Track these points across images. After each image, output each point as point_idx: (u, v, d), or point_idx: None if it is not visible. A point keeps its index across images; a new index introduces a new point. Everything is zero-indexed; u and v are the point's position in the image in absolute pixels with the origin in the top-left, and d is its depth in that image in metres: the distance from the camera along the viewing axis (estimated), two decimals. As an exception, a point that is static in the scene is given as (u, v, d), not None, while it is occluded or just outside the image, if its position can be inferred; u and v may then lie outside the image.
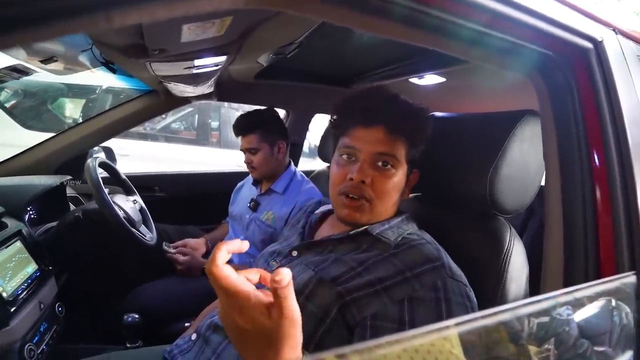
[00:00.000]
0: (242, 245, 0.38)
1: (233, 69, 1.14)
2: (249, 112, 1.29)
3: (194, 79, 1.01)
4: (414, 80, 1.25)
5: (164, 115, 3.79)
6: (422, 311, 0.50)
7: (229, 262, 1.20)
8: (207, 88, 1.20)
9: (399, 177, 0.63)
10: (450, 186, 0.73)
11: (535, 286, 0.59)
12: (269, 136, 1.25)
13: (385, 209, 0.64)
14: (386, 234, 0.62)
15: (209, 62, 0.84)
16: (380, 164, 0.62)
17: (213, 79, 1.09)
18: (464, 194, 0.71)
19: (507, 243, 0.65)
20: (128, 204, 1.17)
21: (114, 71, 0.84)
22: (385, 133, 0.62)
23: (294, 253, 0.69)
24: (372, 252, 0.60)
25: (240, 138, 1.28)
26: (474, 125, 0.75)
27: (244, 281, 0.36)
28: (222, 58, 0.83)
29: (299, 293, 0.57)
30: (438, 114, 0.83)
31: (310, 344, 0.55)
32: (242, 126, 1.25)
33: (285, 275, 0.34)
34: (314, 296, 0.56)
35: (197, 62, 0.80)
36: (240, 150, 1.29)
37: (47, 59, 0.74)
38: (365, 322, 0.52)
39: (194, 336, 0.68)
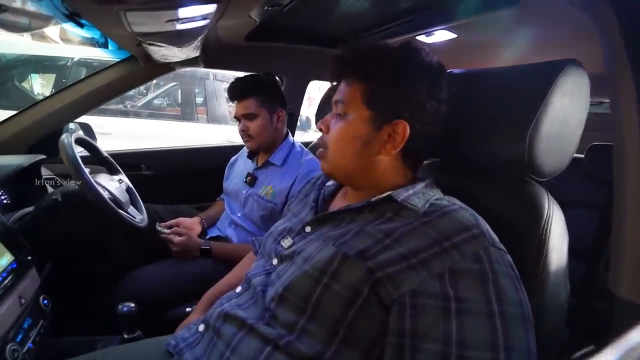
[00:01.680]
0: None
1: (222, 26, 1.01)
2: (246, 76, 1.17)
3: (178, 38, 0.88)
4: (422, 38, 1.14)
5: (144, 91, 3.57)
6: (466, 284, 0.44)
7: (227, 240, 1.11)
8: (192, 51, 1.07)
9: (352, 123, 0.59)
10: (479, 149, 0.65)
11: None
12: (267, 102, 1.14)
13: (343, 159, 0.60)
14: (412, 201, 0.55)
15: (196, 14, 0.71)
16: (337, 112, 0.61)
17: (200, 38, 0.96)
18: (496, 156, 0.63)
19: (547, 209, 0.58)
20: (113, 184, 1.06)
21: (81, 25, 0.70)
22: (343, 82, 0.61)
23: (308, 229, 0.62)
24: (398, 221, 0.53)
25: (235, 104, 1.16)
26: (505, 79, 0.66)
27: None
28: (211, 8, 0.71)
29: (322, 272, 0.50)
30: (457, 70, 0.74)
31: (341, 328, 0.48)
32: (239, 89, 1.14)
33: None
34: (340, 275, 0.50)
35: (181, 12, 0.67)
36: (235, 117, 1.18)
37: (-4, 9, 0.60)
38: (404, 300, 0.45)
39: (201, 327, 0.61)
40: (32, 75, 3.04)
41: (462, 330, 0.42)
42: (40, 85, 3.09)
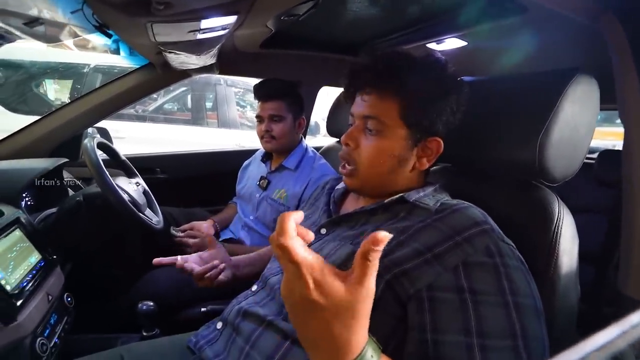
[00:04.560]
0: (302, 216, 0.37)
1: (238, 35, 1.05)
2: (274, 79, 1.20)
3: (197, 47, 0.91)
4: (432, 45, 1.17)
5: (155, 96, 3.64)
6: (479, 276, 0.46)
7: (240, 242, 1.11)
8: (209, 59, 1.11)
9: (388, 141, 0.58)
10: (489, 154, 0.67)
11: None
12: (294, 108, 1.19)
13: (376, 177, 0.60)
14: (424, 200, 0.57)
15: (217, 24, 0.75)
16: (368, 128, 0.59)
17: (217, 47, 0.99)
18: (507, 161, 0.65)
19: (557, 213, 0.60)
20: (131, 187, 1.10)
21: (109, 36, 0.74)
22: (374, 95, 0.58)
23: (323, 230, 0.64)
24: (411, 220, 0.55)
25: (260, 104, 1.19)
26: (516, 86, 0.68)
27: (315, 254, 0.35)
28: (232, 19, 0.74)
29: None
30: (468, 77, 0.76)
31: None
32: (271, 90, 1.17)
33: (384, 236, 0.32)
34: None
35: (203, 23, 0.71)
36: (258, 117, 1.20)
37: (32, 22, 0.64)
38: (421, 294, 0.47)
39: (219, 325, 0.63)
40: (50, 81, 3.13)
41: (480, 320, 0.44)
42: (57, 92, 3.18)
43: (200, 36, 0.80)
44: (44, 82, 3.11)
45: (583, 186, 1.35)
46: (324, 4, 0.89)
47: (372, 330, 0.50)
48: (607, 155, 1.37)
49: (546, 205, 0.61)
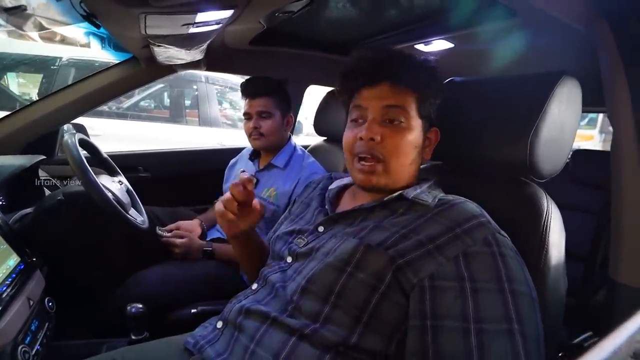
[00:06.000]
0: None
1: (229, 31, 1.03)
2: (262, 76, 1.19)
3: (188, 41, 0.89)
4: (420, 47, 1.19)
5: (129, 93, 3.50)
6: (478, 265, 0.49)
7: (222, 240, 1.09)
8: (198, 54, 1.08)
9: (412, 132, 0.60)
10: (480, 152, 0.70)
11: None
12: (282, 105, 1.18)
13: (401, 168, 0.61)
14: (422, 197, 0.59)
15: (212, 18, 0.73)
16: (389, 119, 0.60)
17: (207, 42, 0.97)
18: (498, 159, 0.67)
19: (546, 208, 0.63)
20: (114, 185, 1.05)
21: (97, 26, 0.71)
22: (390, 87, 0.60)
23: (321, 228, 0.64)
24: (411, 215, 0.57)
25: (248, 101, 1.17)
26: (505, 88, 0.71)
27: None
28: (227, 13, 0.73)
29: (345, 263, 0.53)
30: (459, 78, 0.79)
31: (364, 314, 0.51)
32: (258, 87, 1.15)
33: None
34: (364, 264, 0.53)
35: (199, 16, 0.69)
36: (246, 114, 1.18)
37: (14, 8, 0.60)
38: (423, 284, 0.49)
39: (219, 324, 0.62)
40: (12, 74, 2.94)
41: (477, 306, 0.46)
42: (22, 85, 2.99)
43: (193, 30, 0.78)
44: (5, 76, 2.92)
45: (561, 183, 1.43)
46: (317, 3, 0.89)
47: (381, 322, 0.51)
48: (580, 154, 1.46)
49: (535, 200, 0.64)
